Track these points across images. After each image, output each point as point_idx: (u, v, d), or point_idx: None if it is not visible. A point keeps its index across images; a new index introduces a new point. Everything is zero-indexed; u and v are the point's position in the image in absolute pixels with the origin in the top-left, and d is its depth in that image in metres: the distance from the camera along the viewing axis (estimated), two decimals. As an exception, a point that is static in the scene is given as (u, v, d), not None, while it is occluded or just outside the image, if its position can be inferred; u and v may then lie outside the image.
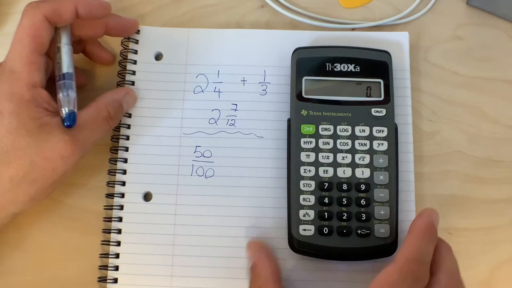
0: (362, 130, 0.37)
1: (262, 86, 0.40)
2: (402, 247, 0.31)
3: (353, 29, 0.43)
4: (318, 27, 0.43)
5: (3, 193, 0.33)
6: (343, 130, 0.37)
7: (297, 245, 0.36)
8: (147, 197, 0.39)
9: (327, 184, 0.36)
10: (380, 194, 0.36)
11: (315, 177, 0.36)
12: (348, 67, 0.38)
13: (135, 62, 0.41)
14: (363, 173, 0.36)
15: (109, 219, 0.38)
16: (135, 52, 0.41)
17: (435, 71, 0.42)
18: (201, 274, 0.37)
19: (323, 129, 0.37)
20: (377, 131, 0.37)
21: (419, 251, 0.31)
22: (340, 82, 0.38)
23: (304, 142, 0.37)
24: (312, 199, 0.36)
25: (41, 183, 0.33)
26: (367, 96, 0.38)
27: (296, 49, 0.39)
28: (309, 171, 0.36)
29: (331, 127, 0.37)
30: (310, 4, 0.44)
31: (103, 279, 0.37)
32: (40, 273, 0.38)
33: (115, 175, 0.39)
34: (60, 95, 0.34)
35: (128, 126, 0.40)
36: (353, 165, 0.37)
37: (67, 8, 0.35)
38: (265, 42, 0.41)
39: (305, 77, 0.38)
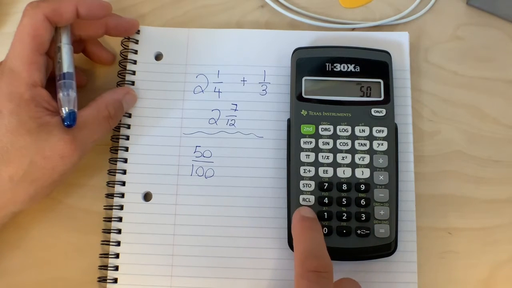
0: (362, 130, 0.37)
1: (262, 86, 0.40)
2: (294, 255, 0.32)
3: (353, 29, 0.43)
4: (318, 27, 0.43)
5: (2, 192, 0.33)
6: (343, 130, 0.37)
7: (297, 245, 0.36)
8: (147, 197, 0.39)
9: (327, 184, 0.36)
10: (380, 194, 0.36)
11: (315, 177, 0.36)
12: (348, 67, 0.38)
13: (135, 62, 0.41)
14: (363, 173, 0.36)
15: (109, 219, 0.38)
16: (135, 52, 0.41)
17: (435, 71, 0.42)
18: (201, 274, 0.37)
19: (323, 129, 0.37)
20: (377, 131, 0.37)
21: (306, 249, 0.31)
22: (340, 82, 0.38)
23: (304, 142, 0.37)
24: (312, 199, 0.36)
25: (40, 182, 0.33)
26: (367, 96, 0.38)
27: (296, 49, 0.39)
28: (309, 171, 0.36)
29: (331, 127, 0.37)
30: (310, 4, 0.44)
31: (103, 279, 0.37)
32: (40, 273, 0.38)
33: (115, 175, 0.39)
34: (60, 95, 0.34)
35: (128, 126, 0.40)
36: (353, 165, 0.37)
37: (68, 8, 0.35)
38: (265, 42, 0.41)
39: (305, 77, 0.38)
